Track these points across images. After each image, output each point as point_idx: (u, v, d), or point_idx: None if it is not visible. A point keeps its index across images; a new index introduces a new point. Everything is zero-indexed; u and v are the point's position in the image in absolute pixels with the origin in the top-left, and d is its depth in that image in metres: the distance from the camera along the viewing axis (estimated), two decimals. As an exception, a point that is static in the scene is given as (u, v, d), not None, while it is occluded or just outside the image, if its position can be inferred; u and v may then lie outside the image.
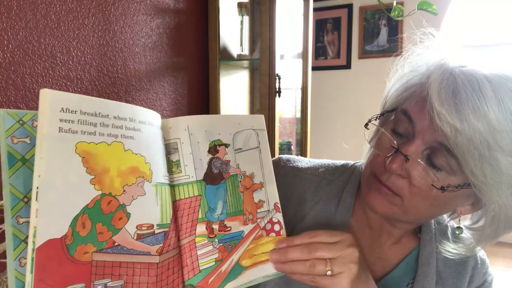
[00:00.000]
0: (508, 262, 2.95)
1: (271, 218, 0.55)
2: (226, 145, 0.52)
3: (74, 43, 1.05)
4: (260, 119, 0.56)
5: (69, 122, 0.38)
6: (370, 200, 0.56)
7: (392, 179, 0.53)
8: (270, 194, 0.55)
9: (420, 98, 0.52)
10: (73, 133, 0.38)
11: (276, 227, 0.55)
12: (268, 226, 0.54)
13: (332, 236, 0.51)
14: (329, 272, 0.49)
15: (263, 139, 0.56)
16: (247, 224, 0.52)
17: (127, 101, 1.24)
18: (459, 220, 0.60)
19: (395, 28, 3.31)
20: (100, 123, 0.40)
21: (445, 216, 0.66)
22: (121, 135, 0.42)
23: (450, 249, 0.62)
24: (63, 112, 0.37)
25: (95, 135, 0.39)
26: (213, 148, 0.50)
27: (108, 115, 0.41)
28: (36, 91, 0.96)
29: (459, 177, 0.50)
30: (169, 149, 0.48)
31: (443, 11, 2.96)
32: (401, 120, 0.54)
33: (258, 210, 0.54)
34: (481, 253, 0.66)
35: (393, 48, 3.30)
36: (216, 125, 0.51)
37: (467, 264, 0.64)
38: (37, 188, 0.35)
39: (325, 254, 0.49)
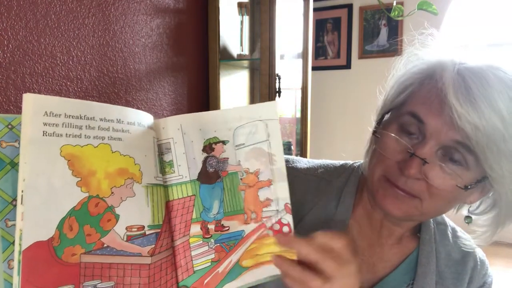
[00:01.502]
0: (508, 262, 2.95)
1: (280, 219, 0.52)
2: (224, 142, 0.50)
3: (74, 43, 1.05)
4: (271, 107, 0.50)
5: (53, 126, 0.38)
6: (387, 206, 0.55)
7: (410, 183, 0.52)
8: (280, 193, 0.51)
9: (426, 98, 0.52)
10: (58, 136, 0.38)
11: (285, 229, 0.52)
12: (277, 227, 0.51)
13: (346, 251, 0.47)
14: None
15: (274, 130, 0.50)
16: (249, 223, 0.51)
17: (127, 101, 1.24)
18: (469, 210, 0.61)
19: (395, 28, 3.31)
20: (86, 126, 0.40)
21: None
22: (108, 137, 0.42)
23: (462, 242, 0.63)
24: (47, 115, 0.37)
25: (80, 137, 0.39)
26: (208, 147, 0.49)
27: (94, 117, 0.41)
28: (36, 91, 0.96)
29: (474, 172, 0.51)
30: (162, 149, 0.47)
31: (443, 11, 2.96)
32: (409, 122, 0.54)
33: (264, 209, 0.51)
34: (480, 254, 0.66)
35: (393, 48, 3.30)
36: (212, 122, 0.49)
37: (466, 264, 0.64)
38: (22, 191, 0.35)
39: (329, 269, 0.45)
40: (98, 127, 0.41)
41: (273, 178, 0.51)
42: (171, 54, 1.42)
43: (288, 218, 0.52)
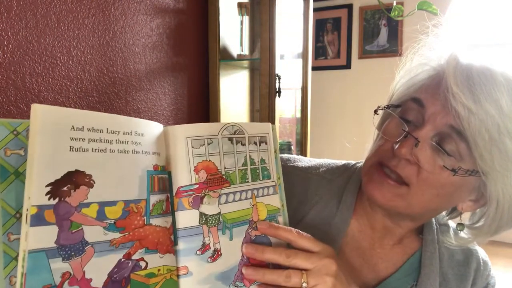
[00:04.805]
0: (508, 262, 2.95)
1: None
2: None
3: (74, 43, 1.05)
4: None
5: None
6: (371, 191, 0.55)
7: (401, 165, 0.52)
8: None
9: (431, 85, 0.53)
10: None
11: None
12: None
13: (314, 244, 0.49)
14: (304, 285, 0.45)
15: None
16: None
17: (127, 101, 1.24)
18: (460, 217, 0.60)
19: (395, 28, 3.31)
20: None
21: (444, 213, 0.66)
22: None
23: (451, 240, 0.62)
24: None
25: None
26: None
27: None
28: (36, 91, 0.96)
29: (467, 163, 0.50)
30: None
31: (443, 11, 2.96)
32: (411, 109, 0.54)
33: None
34: (483, 254, 0.66)
35: (393, 48, 3.30)
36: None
37: (469, 265, 0.64)
38: (27, 210, 0.33)
39: (302, 264, 0.46)
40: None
41: None
42: (171, 54, 1.42)
43: None
